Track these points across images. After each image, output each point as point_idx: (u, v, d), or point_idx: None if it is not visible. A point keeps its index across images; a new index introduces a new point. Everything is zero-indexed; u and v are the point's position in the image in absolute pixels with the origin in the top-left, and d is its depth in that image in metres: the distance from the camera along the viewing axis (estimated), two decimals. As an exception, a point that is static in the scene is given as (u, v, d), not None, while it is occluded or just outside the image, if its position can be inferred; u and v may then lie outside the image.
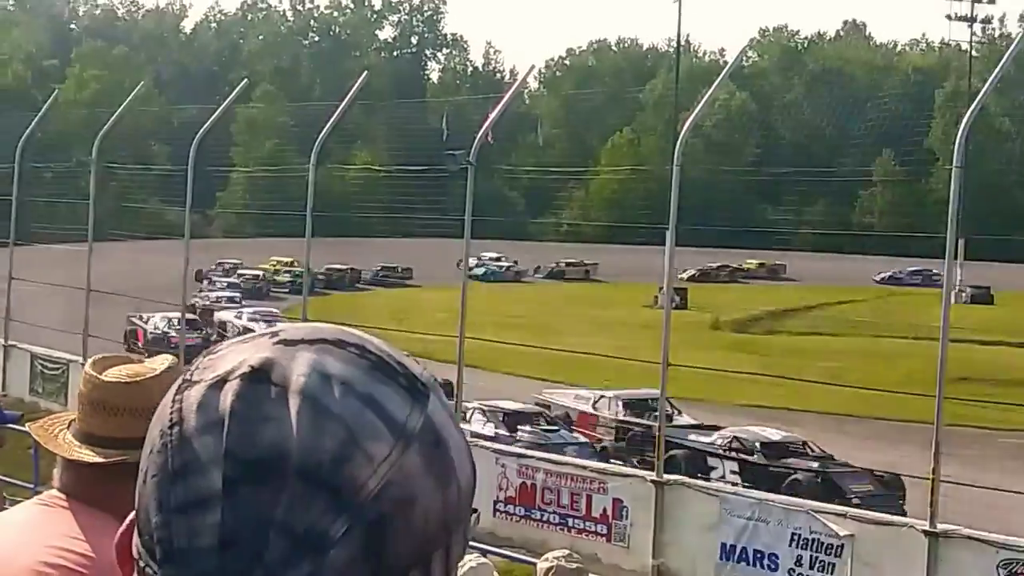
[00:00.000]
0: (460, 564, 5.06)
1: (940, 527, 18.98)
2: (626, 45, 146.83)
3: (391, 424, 1.16)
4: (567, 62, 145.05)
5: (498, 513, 23.39)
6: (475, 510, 1.29)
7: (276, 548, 1.10)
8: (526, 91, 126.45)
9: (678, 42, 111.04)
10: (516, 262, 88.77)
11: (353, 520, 1.11)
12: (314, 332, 1.22)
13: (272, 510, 1.10)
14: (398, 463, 1.14)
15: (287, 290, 70.30)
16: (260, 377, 1.16)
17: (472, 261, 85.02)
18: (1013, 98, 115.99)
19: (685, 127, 24.27)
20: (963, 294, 74.09)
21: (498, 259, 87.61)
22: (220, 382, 1.17)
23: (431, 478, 1.16)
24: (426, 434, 1.17)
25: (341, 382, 1.16)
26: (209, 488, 1.12)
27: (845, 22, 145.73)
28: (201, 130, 30.56)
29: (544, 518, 22.87)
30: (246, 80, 38.23)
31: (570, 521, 22.54)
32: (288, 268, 75.17)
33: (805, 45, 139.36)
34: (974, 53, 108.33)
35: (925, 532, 18.79)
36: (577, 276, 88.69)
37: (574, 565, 6.89)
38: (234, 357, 1.19)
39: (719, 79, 25.33)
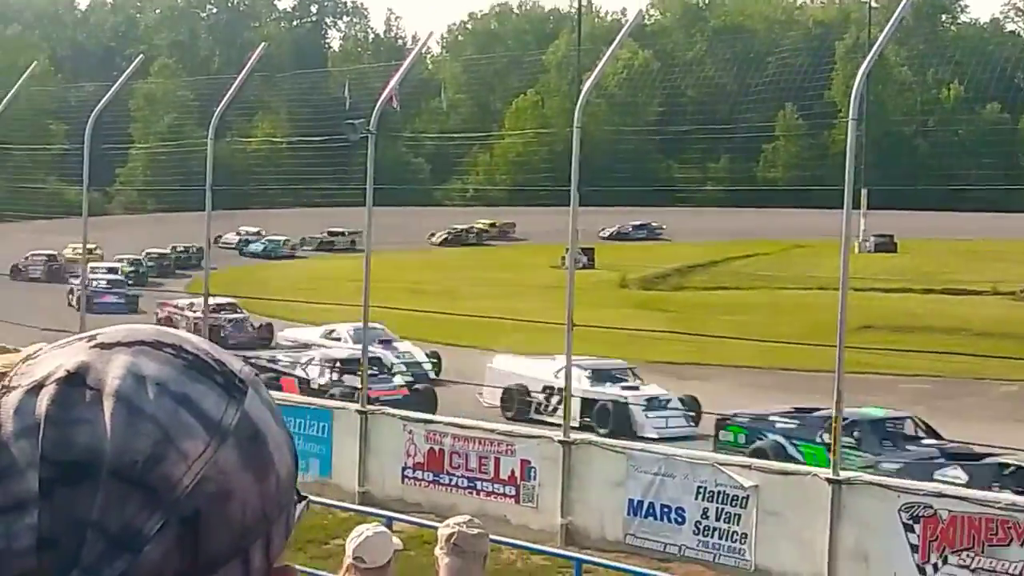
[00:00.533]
0: (357, 533, 4.98)
1: (843, 474, 19.18)
2: (528, 8, 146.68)
3: (206, 421, 1.19)
4: (469, 26, 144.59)
5: (407, 479, 23.35)
6: (304, 497, 1.31)
7: (92, 547, 1.13)
8: (429, 57, 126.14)
9: (579, 3, 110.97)
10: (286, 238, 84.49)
11: (168, 516, 1.15)
12: (131, 334, 1.24)
13: (88, 510, 1.13)
14: (213, 459, 1.18)
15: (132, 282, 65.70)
16: (75, 381, 1.19)
17: (233, 237, 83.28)
18: (912, 47, 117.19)
19: (585, 88, 24.10)
20: (867, 243, 74.93)
21: (257, 232, 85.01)
22: (37, 387, 1.19)
23: (248, 472, 1.20)
24: (242, 430, 1.21)
25: (155, 383, 1.19)
26: (26, 491, 1.14)
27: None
28: (96, 108, 30.13)
29: (452, 482, 22.83)
30: (141, 56, 37.59)
31: (479, 484, 22.51)
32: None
33: (706, 2, 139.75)
34: (874, 4, 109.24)
35: (828, 480, 18.98)
36: (344, 247, 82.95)
37: (476, 530, 6.83)
38: (51, 362, 1.21)
39: (619, 38, 25.22)
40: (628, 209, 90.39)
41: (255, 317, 47.64)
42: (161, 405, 1.18)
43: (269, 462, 1.23)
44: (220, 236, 78.56)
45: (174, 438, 1.17)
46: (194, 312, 46.25)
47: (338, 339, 40.13)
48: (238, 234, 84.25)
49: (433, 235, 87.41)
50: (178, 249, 74.37)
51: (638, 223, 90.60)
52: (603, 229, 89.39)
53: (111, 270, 62.82)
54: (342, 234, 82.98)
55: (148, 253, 72.22)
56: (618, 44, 24.96)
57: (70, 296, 53.71)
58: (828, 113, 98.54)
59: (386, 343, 39.43)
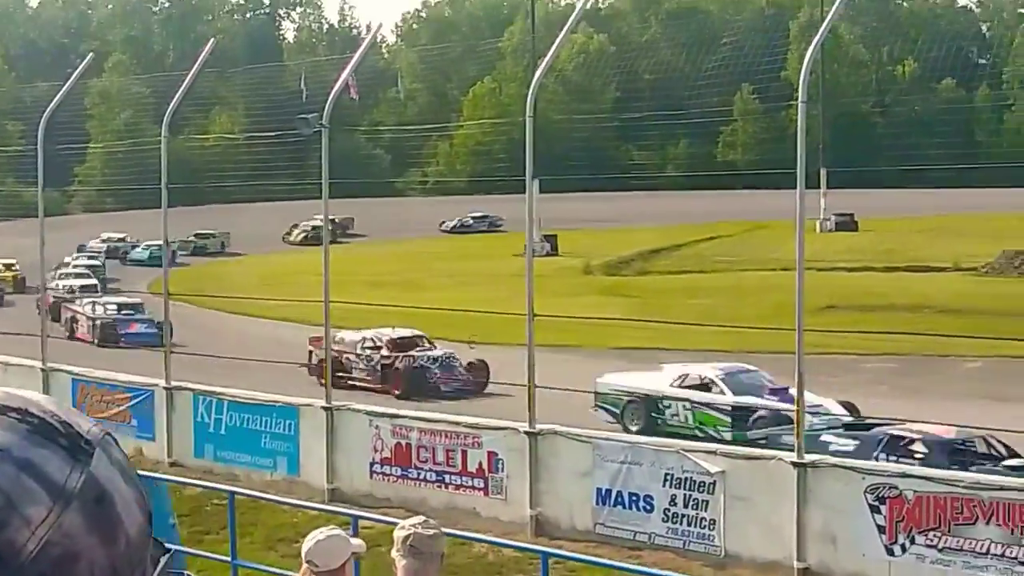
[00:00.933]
0: (311, 537, 5.01)
1: (807, 458, 19.26)
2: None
3: (49, 486, 1.21)
4: (423, 14, 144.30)
5: (375, 475, 23.32)
6: (168, 550, 1.34)
7: None
8: (384, 46, 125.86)
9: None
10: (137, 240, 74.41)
11: None
12: None
13: None
14: (57, 523, 1.20)
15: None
16: None
17: (99, 244, 70.68)
18: (865, 24, 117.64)
19: (535, 78, 23.82)
20: (828, 222, 75.21)
21: (122, 238, 76.01)
22: None
23: (95, 534, 1.22)
24: (87, 492, 1.23)
25: None
26: None
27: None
28: (49, 107, 29.88)
29: (421, 476, 22.81)
30: (91, 54, 37.19)
31: (447, 477, 22.50)
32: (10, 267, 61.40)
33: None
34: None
35: (793, 464, 19.06)
36: (215, 250, 78.59)
37: (431, 531, 6.86)
38: None
39: (569, 23, 24.77)
40: (587, 195, 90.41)
41: (454, 348, 36.26)
42: (3, 472, 1.19)
43: (117, 522, 1.24)
44: (84, 245, 71.80)
45: (17, 504, 1.18)
46: (374, 348, 35.48)
47: (706, 386, 28.97)
48: (104, 241, 75.51)
49: (290, 234, 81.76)
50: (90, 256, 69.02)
51: (479, 214, 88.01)
52: (443, 223, 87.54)
53: (84, 288, 52.64)
54: (212, 236, 78.91)
55: (62, 264, 60.44)
56: (568, 29, 24.55)
57: (74, 325, 44.89)
58: (784, 94, 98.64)
59: (780, 392, 27.75)
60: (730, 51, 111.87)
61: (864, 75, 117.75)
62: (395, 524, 7.22)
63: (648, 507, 20.36)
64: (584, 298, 47.66)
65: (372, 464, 23.33)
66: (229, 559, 16.07)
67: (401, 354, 35.17)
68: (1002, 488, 17.85)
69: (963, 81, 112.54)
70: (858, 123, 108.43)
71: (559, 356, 32.46)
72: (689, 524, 19.94)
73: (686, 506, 19.97)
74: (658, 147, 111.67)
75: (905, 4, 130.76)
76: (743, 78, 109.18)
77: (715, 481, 19.70)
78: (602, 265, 63.33)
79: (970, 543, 17.66)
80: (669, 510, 20.12)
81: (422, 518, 7.26)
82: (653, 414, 29.02)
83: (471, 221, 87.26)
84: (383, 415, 24.01)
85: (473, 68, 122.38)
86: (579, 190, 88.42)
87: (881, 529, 18.30)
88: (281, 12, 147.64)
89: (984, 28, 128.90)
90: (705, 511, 19.77)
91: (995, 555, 17.47)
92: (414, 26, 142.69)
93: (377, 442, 23.33)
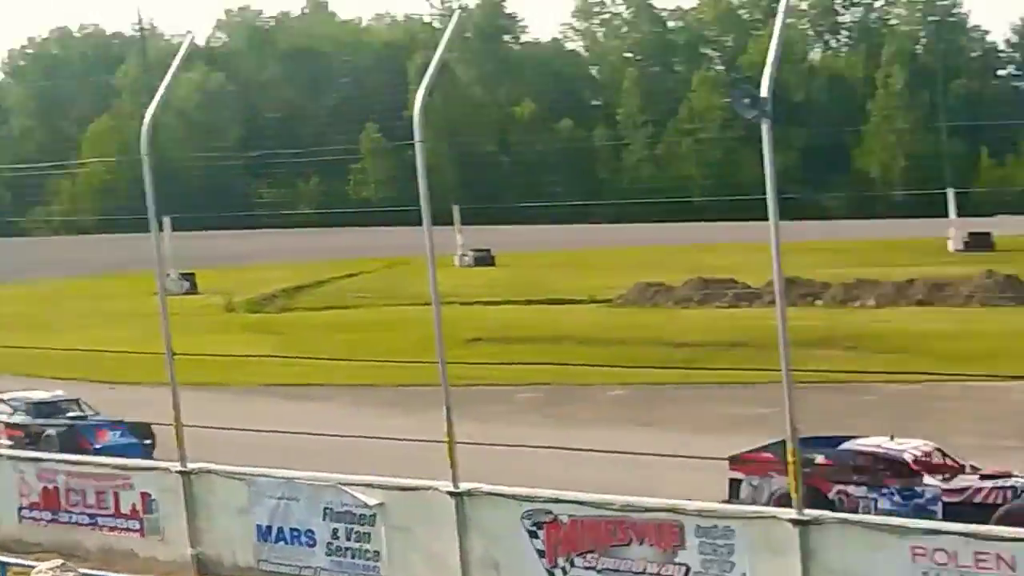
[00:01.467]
0: None
1: (463, 486, 19.44)
2: (89, 32, 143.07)
3: None
4: (30, 51, 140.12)
5: (24, 519, 22.57)
6: None
7: None
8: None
9: (141, 25, 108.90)
10: None
11: None
12: None
13: None
14: None
15: None
16: None
17: None
18: (480, 67, 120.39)
19: (148, 113, 22.17)
20: (465, 258, 76.29)
21: None
22: None
23: None
24: None
25: None
26: None
27: (309, 0, 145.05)
28: None
29: (73, 520, 22.15)
30: None
31: (100, 520, 21.90)
32: None
33: (272, 24, 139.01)
34: (437, 25, 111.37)
35: (450, 493, 19.23)
36: None
37: (68, 574, 6.82)
38: None
39: (174, 64, 23.31)
40: (222, 232, 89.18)
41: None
42: None
43: None
44: None
45: None
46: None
47: None
48: None
49: None
50: None
51: None
52: None
53: None
54: None
55: None
56: (177, 65, 23.27)
57: None
58: (408, 133, 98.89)
59: None
60: (350, 90, 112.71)
61: (485, 115, 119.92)
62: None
63: (311, 541, 20.26)
64: (229, 336, 46.96)
65: (20, 509, 22.57)
66: None
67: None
68: (648, 510, 18.35)
69: (581, 121, 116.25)
70: (485, 162, 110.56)
71: (208, 395, 31.92)
72: (353, 556, 19.91)
73: (348, 539, 19.96)
74: (288, 185, 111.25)
75: (516, 47, 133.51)
76: (367, 116, 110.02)
77: (375, 513, 19.75)
78: (244, 302, 62.15)
79: (626, 563, 18.14)
80: (332, 543, 20.06)
81: (60, 561, 7.29)
82: None
83: None
84: (26, 459, 23.24)
85: (88, 105, 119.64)
86: (214, 228, 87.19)
87: (541, 553, 18.63)
88: None
89: (594, 71, 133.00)
90: (368, 543, 19.81)
91: (651, 574, 18.04)
92: (22, 62, 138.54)
93: (23, 487, 22.58)
